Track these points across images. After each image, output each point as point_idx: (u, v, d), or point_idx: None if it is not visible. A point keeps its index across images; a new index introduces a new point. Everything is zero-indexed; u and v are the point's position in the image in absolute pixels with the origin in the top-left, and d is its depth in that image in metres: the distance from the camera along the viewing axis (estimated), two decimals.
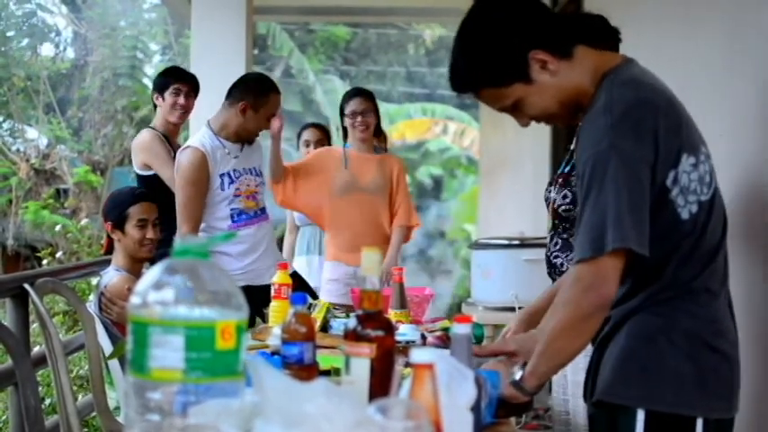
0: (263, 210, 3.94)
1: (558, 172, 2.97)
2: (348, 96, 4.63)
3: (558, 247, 2.90)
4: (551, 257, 2.93)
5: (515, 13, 1.83)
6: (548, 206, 2.98)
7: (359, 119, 4.53)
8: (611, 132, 1.74)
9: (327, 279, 4.59)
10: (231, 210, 3.81)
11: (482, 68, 1.83)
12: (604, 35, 2.72)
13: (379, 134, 4.76)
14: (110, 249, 3.46)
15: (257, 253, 3.87)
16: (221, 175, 3.79)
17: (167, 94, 4.30)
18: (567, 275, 1.80)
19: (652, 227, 1.75)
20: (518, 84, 1.82)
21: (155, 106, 4.42)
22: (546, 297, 2.30)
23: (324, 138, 5.31)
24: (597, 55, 1.90)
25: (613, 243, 1.70)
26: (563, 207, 2.87)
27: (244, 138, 3.87)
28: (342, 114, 4.61)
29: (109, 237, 3.44)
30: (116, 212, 3.38)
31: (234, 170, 3.83)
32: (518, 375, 1.85)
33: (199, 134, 3.89)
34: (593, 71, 1.85)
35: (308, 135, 5.30)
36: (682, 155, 1.78)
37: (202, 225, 3.82)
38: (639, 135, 1.74)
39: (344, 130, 4.63)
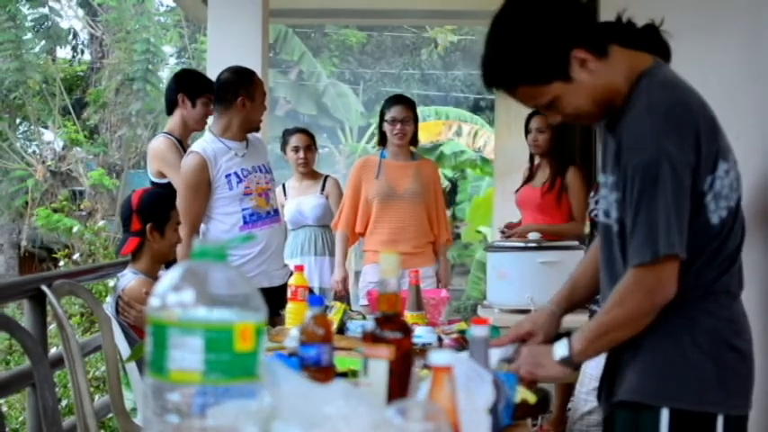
0: (275, 211, 4.02)
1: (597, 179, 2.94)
2: (389, 103, 4.70)
3: None
4: None
5: (557, 10, 1.80)
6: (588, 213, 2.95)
7: (398, 126, 4.63)
8: (658, 135, 1.75)
9: (368, 281, 4.70)
10: (243, 210, 3.87)
11: (523, 65, 1.81)
12: (653, 46, 2.58)
13: (416, 143, 4.82)
14: (132, 251, 3.31)
15: (267, 254, 3.92)
16: (228, 176, 3.86)
17: (200, 102, 4.23)
18: (625, 277, 1.80)
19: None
20: (557, 82, 1.81)
21: (171, 104, 4.28)
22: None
23: (311, 142, 5.48)
24: (630, 55, 1.88)
25: (666, 249, 1.73)
26: (594, 212, 2.84)
27: (251, 129, 3.99)
28: (381, 119, 4.69)
29: (136, 237, 3.29)
30: (160, 213, 3.30)
31: (242, 169, 3.89)
32: (566, 351, 1.86)
33: (201, 139, 3.98)
34: (628, 71, 1.85)
35: (297, 141, 5.43)
36: (719, 160, 1.79)
37: (219, 227, 3.86)
38: (683, 138, 1.75)
39: (382, 134, 4.73)
